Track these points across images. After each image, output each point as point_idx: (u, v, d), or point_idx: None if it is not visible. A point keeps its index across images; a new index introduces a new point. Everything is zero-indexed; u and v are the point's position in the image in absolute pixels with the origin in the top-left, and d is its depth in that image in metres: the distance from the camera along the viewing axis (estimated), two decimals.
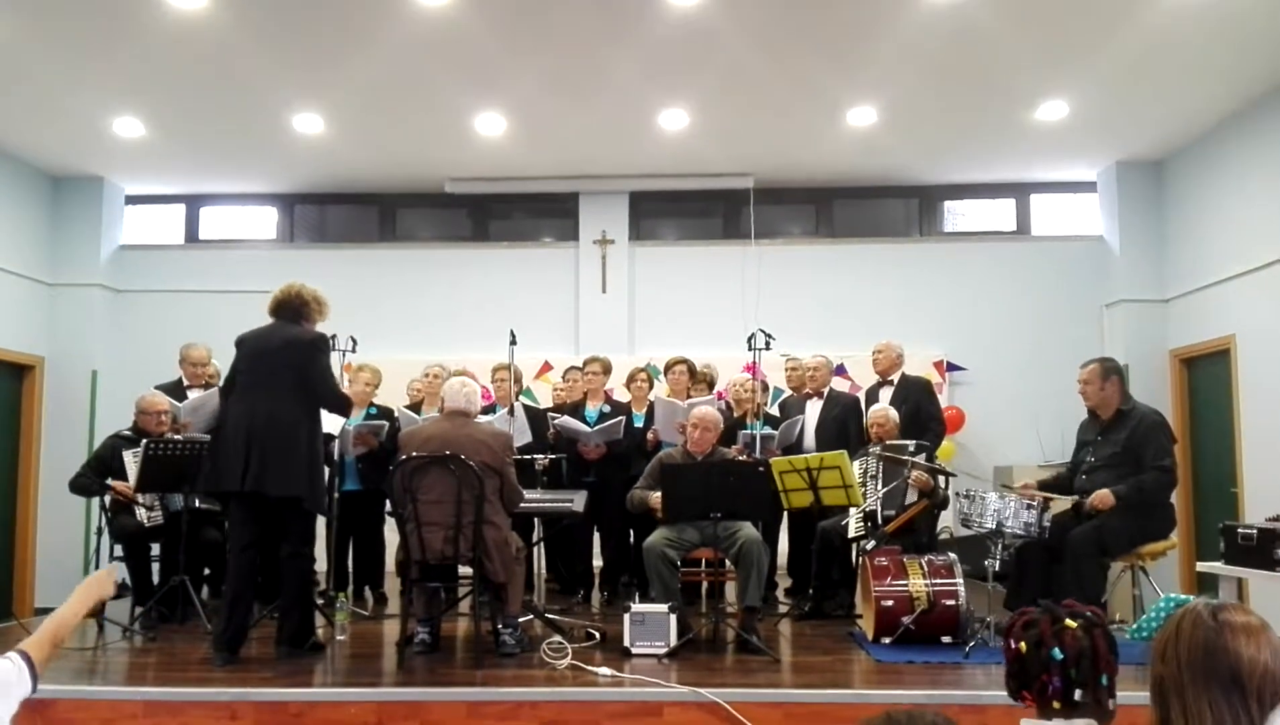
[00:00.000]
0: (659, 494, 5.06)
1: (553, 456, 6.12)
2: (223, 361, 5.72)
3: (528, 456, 5.88)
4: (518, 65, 6.45)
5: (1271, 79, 6.63)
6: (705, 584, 6.22)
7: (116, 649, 4.88)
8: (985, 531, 4.81)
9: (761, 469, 5.08)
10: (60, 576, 8.03)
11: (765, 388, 6.69)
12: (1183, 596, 1.52)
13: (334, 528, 5.99)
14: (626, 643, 4.56)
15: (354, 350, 6.25)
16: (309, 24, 5.90)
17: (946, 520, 6.54)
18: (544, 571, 6.67)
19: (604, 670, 4.14)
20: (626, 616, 4.61)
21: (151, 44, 6.07)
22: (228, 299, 8.26)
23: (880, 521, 5.42)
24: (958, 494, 5.23)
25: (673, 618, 4.58)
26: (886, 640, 4.70)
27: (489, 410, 6.43)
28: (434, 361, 6.96)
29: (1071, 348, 7.54)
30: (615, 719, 3.78)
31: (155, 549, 5.66)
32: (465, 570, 4.64)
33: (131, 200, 9.11)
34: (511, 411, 5.97)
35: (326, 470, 6.12)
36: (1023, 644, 1.89)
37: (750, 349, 5.83)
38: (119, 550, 5.55)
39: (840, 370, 7.96)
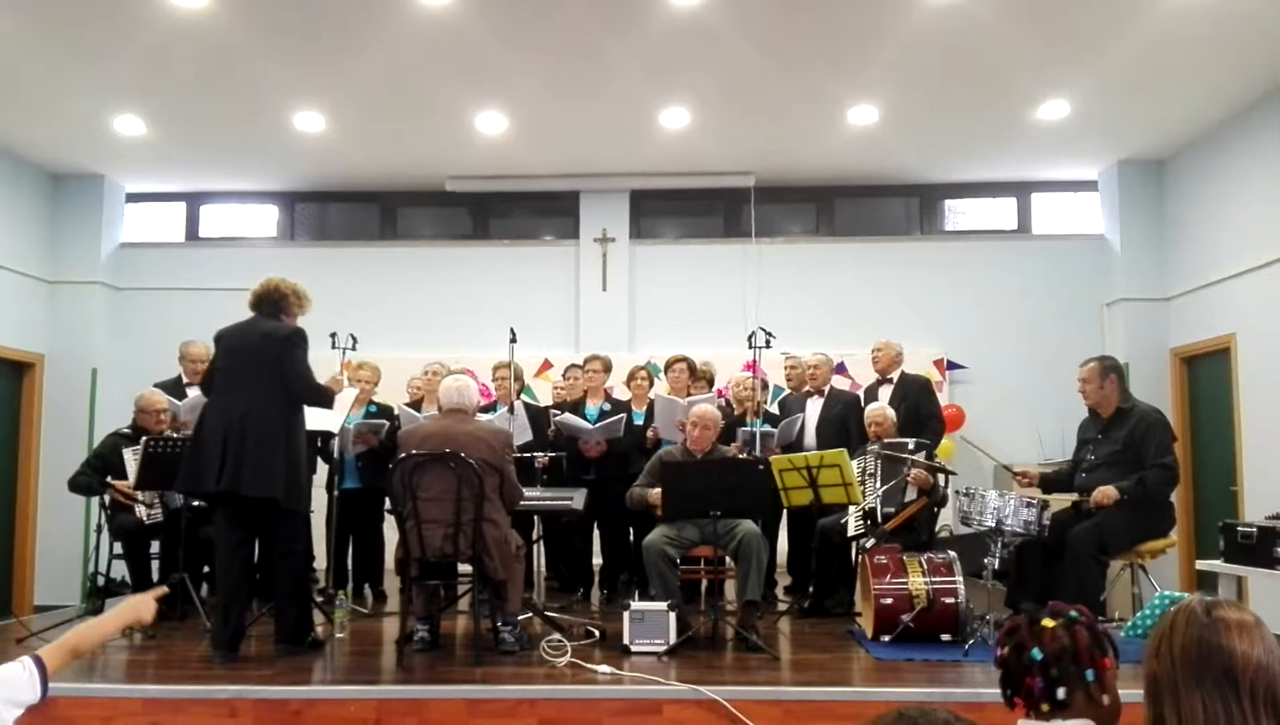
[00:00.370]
0: (659, 491, 5.06)
1: (553, 454, 6.12)
2: None
3: (528, 454, 5.88)
4: (518, 64, 6.45)
5: (1273, 78, 6.62)
6: (705, 582, 6.21)
7: (116, 646, 4.87)
8: (985, 529, 4.81)
9: (761, 467, 5.08)
10: (59, 574, 8.04)
11: (765, 386, 6.69)
12: (1177, 594, 1.52)
13: (334, 526, 6.00)
14: (626, 640, 4.56)
15: (354, 348, 6.25)
16: (310, 22, 5.90)
17: (946, 518, 6.54)
18: (544, 569, 6.67)
19: (603, 668, 4.14)
20: (626, 614, 4.61)
21: (152, 42, 6.07)
22: (228, 297, 8.08)
23: (880, 519, 5.42)
24: (957, 492, 5.23)
25: (672, 616, 4.58)
26: (886, 638, 4.70)
27: (489, 408, 6.43)
28: (434, 359, 6.96)
29: (1072, 346, 7.54)
30: (615, 717, 3.78)
31: (155, 546, 5.66)
32: (465, 568, 4.64)
33: (132, 198, 9.12)
34: (512, 409, 5.97)
35: (326, 468, 6.15)
36: (1006, 649, 1.90)
37: (750, 347, 5.82)
38: (118, 548, 5.56)
39: (841, 368, 7.95)
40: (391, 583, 6.24)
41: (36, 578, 8.21)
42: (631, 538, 6.33)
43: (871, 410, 5.99)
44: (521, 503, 4.91)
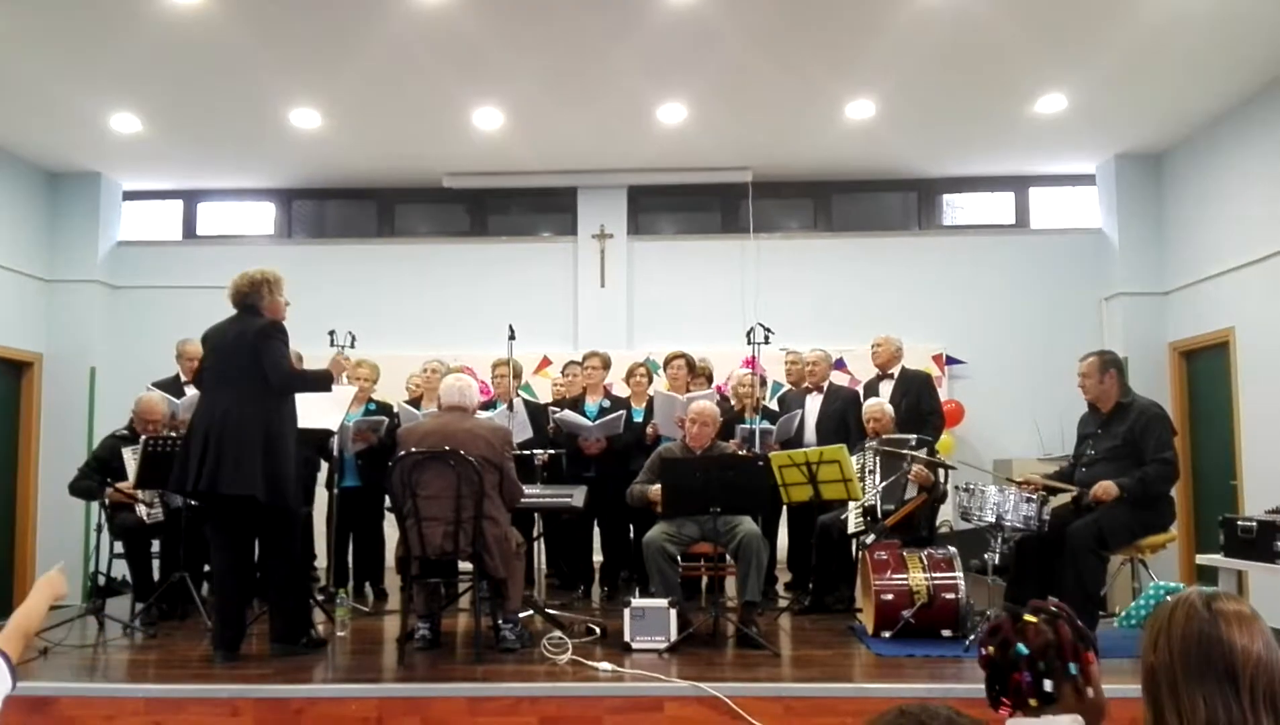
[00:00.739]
0: (658, 488, 5.06)
1: (552, 452, 6.12)
2: None
3: (527, 452, 5.88)
4: (515, 60, 6.43)
5: (1270, 72, 6.62)
6: (705, 579, 6.22)
7: (117, 646, 4.89)
8: (985, 525, 4.81)
9: (761, 463, 5.08)
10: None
11: (764, 382, 6.68)
12: (1172, 584, 1.51)
13: (334, 524, 5.99)
14: (627, 638, 4.56)
15: (353, 345, 6.24)
16: (306, 19, 5.88)
17: (946, 514, 6.54)
18: (544, 567, 6.68)
19: (604, 665, 4.15)
20: (627, 611, 4.62)
21: (148, 39, 6.05)
22: (226, 295, 8.22)
23: (880, 515, 5.42)
24: (957, 488, 5.23)
25: (673, 612, 4.59)
26: (886, 634, 4.71)
27: (489, 405, 6.43)
28: (433, 357, 6.96)
29: (1071, 341, 7.55)
30: (616, 714, 3.79)
31: (155, 545, 5.66)
32: (465, 566, 4.65)
33: (129, 196, 9.10)
34: (511, 407, 5.97)
35: (325, 466, 6.14)
36: (990, 648, 1.91)
37: (749, 343, 5.82)
38: (119, 547, 5.55)
39: (839, 364, 7.95)
40: (392, 581, 6.24)
41: (36, 576, 8.18)
42: (631, 535, 6.33)
43: (870, 406, 5.99)
44: (521, 500, 4.91)
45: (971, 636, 4.54)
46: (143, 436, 5.39)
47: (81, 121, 7.43)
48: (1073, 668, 1.83)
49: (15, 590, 8.10)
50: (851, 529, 5.52)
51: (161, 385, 6.18)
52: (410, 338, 8.44)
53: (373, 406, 6.54)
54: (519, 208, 9.34)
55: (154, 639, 5.00)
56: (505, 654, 4.49)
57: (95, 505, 5.70)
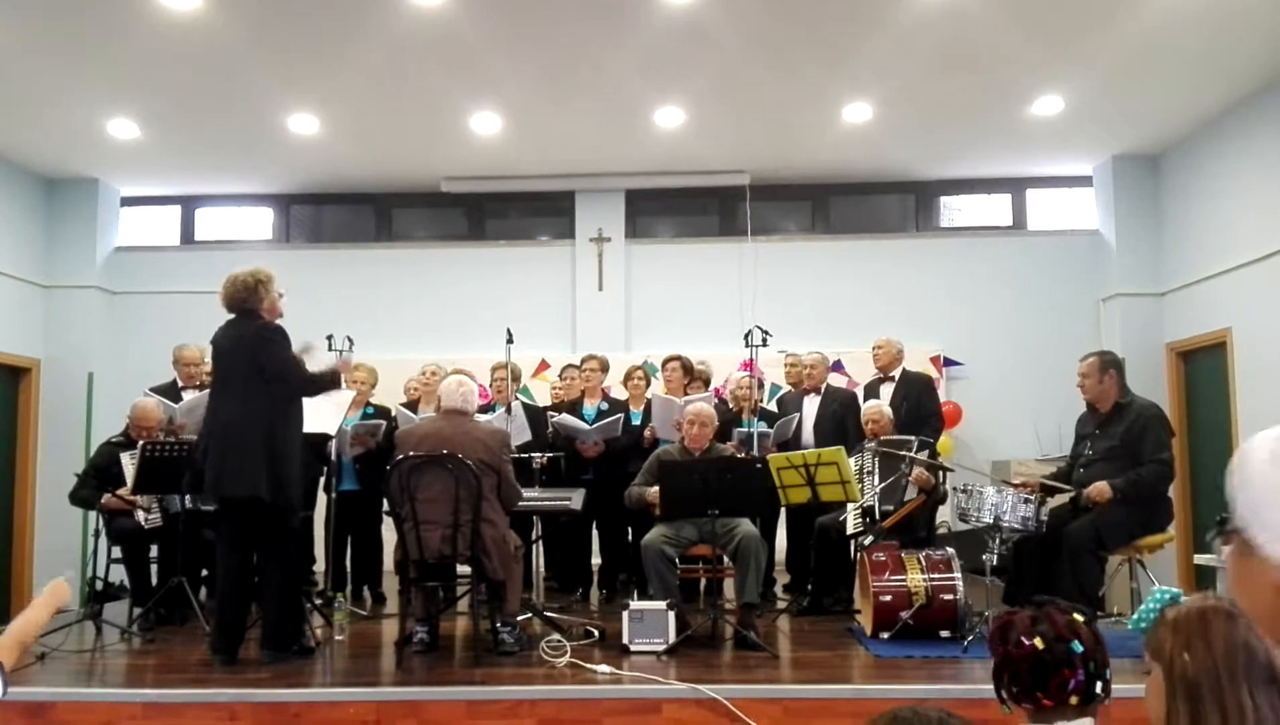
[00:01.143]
0: (657, 490, 5.06)
1: (551, 455, 6.12)
2: None
3: (526, 455, 5.88)
4: (512, 64, 6.44)
5: (1267, 73, 6.63)
6: (704, 581, 6.22)
7: (115, 651, 4.88)
8: (983, 526, 4.81)
9: (759, 465, 5.08)
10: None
11: (761, 384, 6.69)
12: (1173, 590, 1.51)
13: (332, 528, 5.99)
14: (625, 640, 4.56)
15: (350, 349, 6.24)
16: (303, 24, 5.89)
17: (944, 515, 6.54)
18: (542, 569, 6.67)
19: (603, 668, 4.15)
20: (625, 614, 4.61)
21: (145, 45, 6.06)
22: (219, 300, 8.22)
23: (878, 517, 5.42)
24: (955, 489, 5.23)
25: (671, 615, 4.58)
26: (885, 635, 4.71)
27: (487, 409, 6.43)
28: (431, 361, 6.96)
29: (1068, 342, 7.55)
30: (614, 716, 3.78)
31: (154, 551, 5.66)
32: (464, 569, 4.64)
33: (127, 202, 9.10)
34: (509, 410, 5.97)
35: (324, 470, 6.14)
36: (1038, 640, 1.79)
37: (747, 346, 5.83)
38: (117, 552, 5.55)
39: (837, 366, 7.96)
40: (390, 584, 6.23)
41: (35, 582, 8.19)
42: (630, 537, 6.33)
43: (868, 408, 5.99)
44: (520, 503, 4.91)
45: (970, 637, 4.54)
46: (140, 442, 5.39)
47: (79, 127, 7.44)
48: (1108, 672, 1.80)
49: (13, 595, 8.10)
50: (850, 530, 5.52)
51: (159, 390, 6.18)
52: (408, 342, 8.44)
53: (370, 410, 6.55)
54: (517, 211, 9.35)
55: (152, 644, 5.00)
56: (504, 657, 4.49)
57: (91, 511, 5.69)
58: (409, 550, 4.50)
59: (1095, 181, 8.71)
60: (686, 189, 8.96)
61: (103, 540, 5.42)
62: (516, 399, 6.46)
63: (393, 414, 6.42)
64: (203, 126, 7.48)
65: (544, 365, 8.51)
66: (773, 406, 6.90)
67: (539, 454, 5.99)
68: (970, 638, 4.54)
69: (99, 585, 5.44)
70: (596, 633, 4.93)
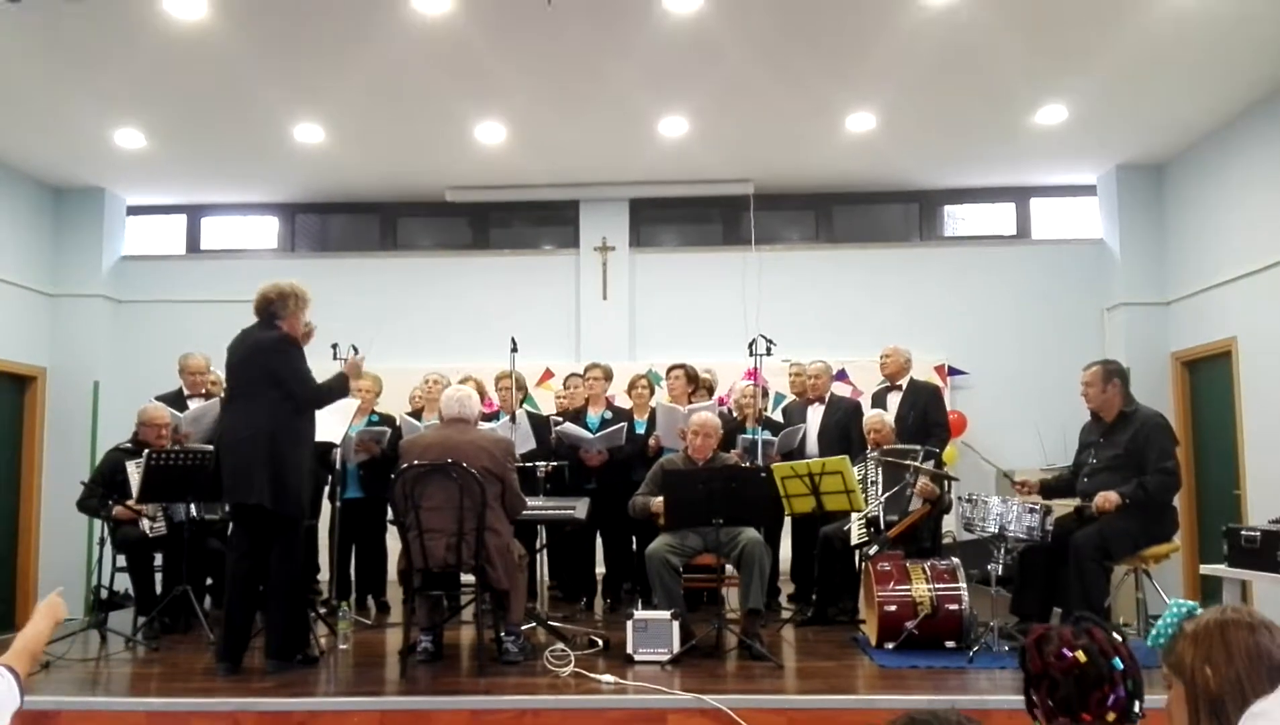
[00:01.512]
0: (661, 499, 5.06)
1: (555, 463, 6.12)
2: (222, 370, 5.73)
3: (530, 463, 5.88)
4: (517, 74, 6.46)
5: (1272, 83, 6.63)
6: (707, 590, 6.20)
7: (119, 659, 4.88)
8: (988, 535, 4.80)
9: (763, 474, 5.08)
10: (64, 587, 7.99)
11: (765, 393, 6.68)
12: (1190, 603, 1.49)
13: (336, 536, 5.99)
14: (630, 650, 4.56)
15: (357, 353, 6.24)
16: (309, 33, 5.92)
17: (949, 524, 6.53)
18: (547, 579, 6.66)
19: (607, 677, 4.14)
20: (629, 623, 4.61)
21: (152, 55, 6.09)
22: (229, 309, 8.06)
23: (883, 527, 5.41)
24: (960, 498, 5.23)
25: (675, 624, 4.57)
26: (890, 645, 4.69)
27: (492, 417, 6.44)
28: (435, 370, 6.97)
29: (1072, 351, 7.54)
30: None
31: (158, 559, 5.66)
32: (468, 578, 4.64)
33: (133, 211, 9.13)
34: (514, 419, 5.97)
35: (329, 477, 6.14)
36: (1080, 654, 1.74)
37: (751, 355, 5.83)
38: (121, 561, 5.55)
39: (841, 375, 7.96)
40: (394, 593, 6.23)
41: (39, 591, 8.19)
42: (634, 546, 6.32)
43: (870, 418, 5.99)
44: (524, 512, 4.90)
45: (975, 648, 4.53)
46: (146, 451, 5.39)
47: (86, 137, 7.47)
48: (1143, 688, 1.77)
49: (18, 604, 8.10)
50: (854, 540, 5.51)
51: (164, 399, 6.19)
52: (413, 351, 8.44)
53: (375, 418, 6.56)
54: (521, 221, 9.37)
55: (156, 652, 4.99)
56: (508, 666, 4.48)
57: (98, 519, 5.70)
58: (413, 559, 4.50)
59: (1099, 191, 8.71)
60: (690, 198, 8.98)
61: (107, 549, 5.42)
62: (521, 408, 6.47)
63: (397, 422, 6.43)
64: (208, 136, 7.52)
65: (548, 374, 8.51)
66: (777, 415, 6.90)
67: (543, 463, 6.00)
68: (976, 648, 4.53)
69: (103, 594, 5.44)
70: (601, 642, 4.92)
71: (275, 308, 4.62)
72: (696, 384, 6.74)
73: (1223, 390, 7.41)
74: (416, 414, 6.61)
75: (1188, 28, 5.84)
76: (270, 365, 4.47)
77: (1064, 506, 5.21)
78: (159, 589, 5.62)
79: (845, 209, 9.15)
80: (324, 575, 6.38)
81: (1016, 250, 8.88)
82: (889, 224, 9.24)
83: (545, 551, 6.35)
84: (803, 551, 6.37)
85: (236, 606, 4.48)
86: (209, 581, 5.92)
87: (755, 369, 5.96)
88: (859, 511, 5.43)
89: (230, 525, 4.88)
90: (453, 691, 4.05)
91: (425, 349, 8.49)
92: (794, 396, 6.99)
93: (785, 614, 6.03)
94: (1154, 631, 1.69)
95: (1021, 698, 1.83)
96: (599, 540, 6.61)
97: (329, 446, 5.72)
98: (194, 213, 9.30)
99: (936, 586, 4.79)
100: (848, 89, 6.81)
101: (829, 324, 8.54)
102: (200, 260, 9.20)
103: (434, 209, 9.15)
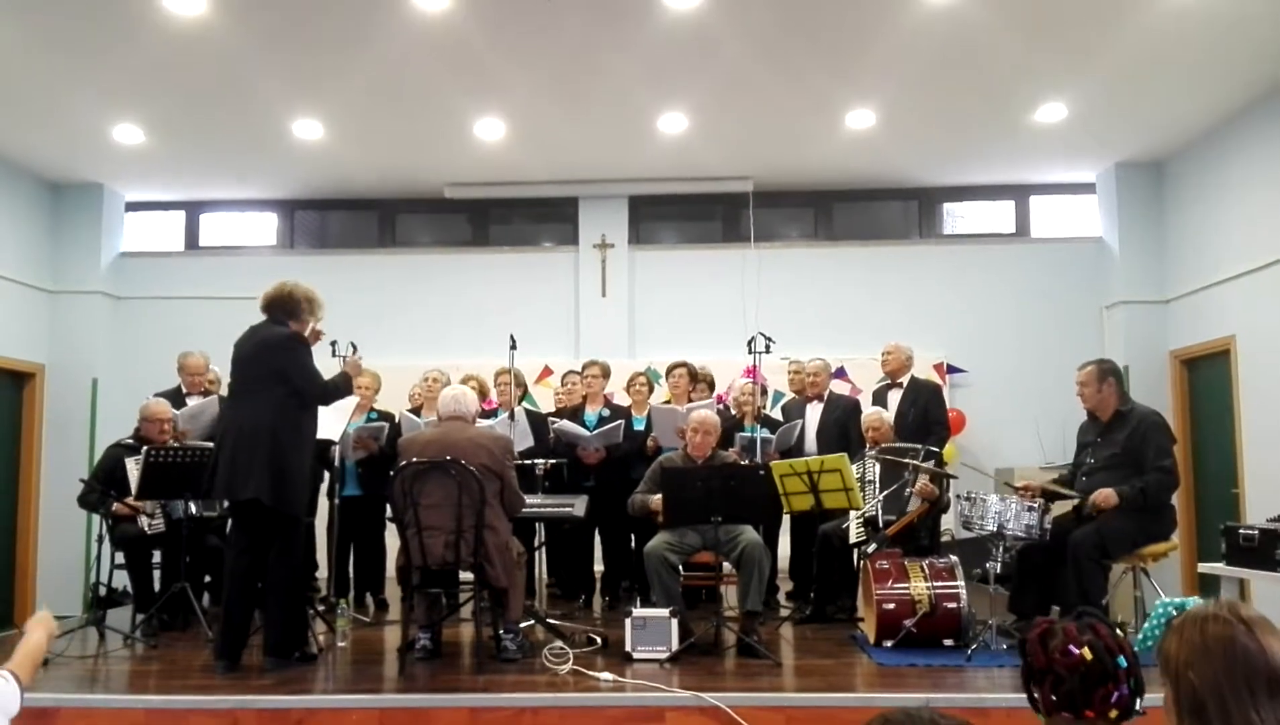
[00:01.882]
0: (660, 497, 5.06)
1: (554, 461, 6.12)
2: (222, 368, 5.72)
3: (529, 461, 5.88)
4: (517, 70, 6.46)
5: (1271, 80, 6.63)
6: (705, 588, 6.20)
7: (118, 657, 4.88)
8: (986, 534, 4.80)
9: (762, 472, 5.08)
10: (62, 584, 8.02)
11: (764, 391, 6.68)
12: (1179, 600, 1.49)
13: (334, 533, 5.99)
14: (628, 647, 4.56)
15: (354, 355, 6.24)
16: (308, 30, 5.91)
17: (947, 523, 6.53)
18: (545, 576, 6.67)
19: (606, 675, 4.14)
20: (628, 621, 4.61)
21: (150, 50, 6.08)
22: (228, 306, 8.18)
23: (881, 525, 5.42)
24: (958, 496, 5.23)
25: (674, 622, 4.58)
26: (888, 643, 4.69)
27: (491, 414, 6.43)
28: (434, 366, 6.96)
29: (1072, 349, 7.54)
30: (617, 724, 3.78)
31: (156, 556, 5.66)
32: (466, 575, 4.64)
33: (131, 207, 9.13)
34: (512, 416, 5.97)
35: (327, 475, 6.14)
36: (1086, 650, 1.74)
37: (750, 352, 5.83)
38: (120, 558, 5.55)
39: (840, 373, 7.96)
40: (393, 591, 6.23)
41: (38, 588, 8.20)
42: (633, 544, 6.33)
43: (868, 416, 5.99)
44: (523, 509, 4.90)
45: (973, 646, 4.53)
46: (144, 447, 5.39)
47: (84, 133, 7.46)
48: (1142, 685, 1.77)
49: (17, 600, 8.11)
50: (853, 539, 5.52)
51: (164, 396, 6.19)
52: (412, 348, 8.45)
53: (374, 415, 6.56)
54: (520, 218, 9.36)
55: (155, 650, 5.00)
56: (506, 664, 4.48)
57: (97, 515, 5.70)
58: (412, 556, 4.50)
59: (1099, 188, 8.71)
60: (690, 195, 8.98)
61: (106, 546, 5.42)
62: (520, 405, 6.46)
63: (396, 419, 6.43)
64: (207, 132, 7.51)
65: (547, 371, 8.51)
66: (776, 413, 6.90)
67: (542, 460, 6.00)
68: (974, 646, 4.53)
69: (102, 591, 5.44)
70: (599, 640, 4.92)
71: (289, 308, 4.65)
72: (697, 380, 6.74)
73: (1222, 388, 7.41)
74: (416, 411, 6.61)
75: (1187, 27, 5.84)
76: (278, 362, 4.48)
77: (1062, 504, 5.21)
78: (157, 586, 5.62)
79: (845, 206, 9.15)
80: (322, 572, 6.38)
81: (1016, 248, 8.88)
82: (888, 221, 9.24)
83: (544, 549, 6.36)
84: (801, 549, 6.37)
85: (235, 604, 4.48)
86: (207, 579, 5.93)
87: (754, 366, 5.95)
88: (857, 510, 5.43)
89: (229, 522, 4.87)
90: (451, 689, 4.05)
91: (424, 346, 8.50)
92: (793, 394, 6.99)
93: (784, 612, 6.04)
94: (1140, 635, 1.68)
95: (1019, 695, 1.84)
96: (597, 538, 6.62)
97: (327, 443, 5.72)
98: (193, 209, 9.29)
99: (935, 585, 4.79)
100: (848, 86, 6.80)
101: (828, 322, 8.54)
102: (199, 256, 9.20)
103: (433, 206, 9.14)
